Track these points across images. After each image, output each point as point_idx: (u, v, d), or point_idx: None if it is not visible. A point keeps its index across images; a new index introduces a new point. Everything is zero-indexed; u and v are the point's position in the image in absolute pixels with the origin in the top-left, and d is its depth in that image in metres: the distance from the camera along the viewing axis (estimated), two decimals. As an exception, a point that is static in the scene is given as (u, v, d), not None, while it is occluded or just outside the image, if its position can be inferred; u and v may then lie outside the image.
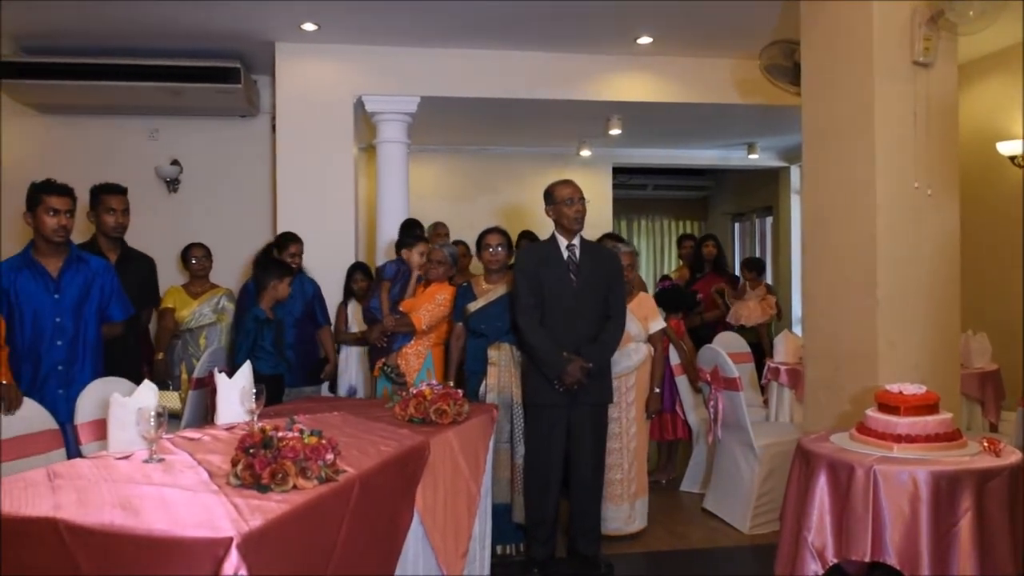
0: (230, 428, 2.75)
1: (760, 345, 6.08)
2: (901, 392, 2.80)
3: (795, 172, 9.16)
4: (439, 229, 6.10)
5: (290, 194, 5.71)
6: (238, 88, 5.74)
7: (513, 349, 3.89)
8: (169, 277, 5.00)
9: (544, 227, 4.25)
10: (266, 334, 4.20)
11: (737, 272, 7.22)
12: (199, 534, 1.61)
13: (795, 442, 3.07)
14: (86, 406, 3.01)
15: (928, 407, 2.76)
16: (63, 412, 3.04)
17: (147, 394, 2.44)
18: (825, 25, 3.92)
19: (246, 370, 2.92)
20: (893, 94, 3.57)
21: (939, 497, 2.50)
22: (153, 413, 2.18)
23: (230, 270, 5.74)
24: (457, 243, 5.52)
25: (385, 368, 4.25)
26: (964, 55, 4.46)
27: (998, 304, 5.61)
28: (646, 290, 4.75)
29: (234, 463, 1.99)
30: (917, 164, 3.57)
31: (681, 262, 7.27)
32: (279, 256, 4.83)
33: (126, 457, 2.27)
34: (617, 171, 9.34)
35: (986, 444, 2.73)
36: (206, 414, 4.02)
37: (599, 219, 8.11)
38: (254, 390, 2.63)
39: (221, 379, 2.91)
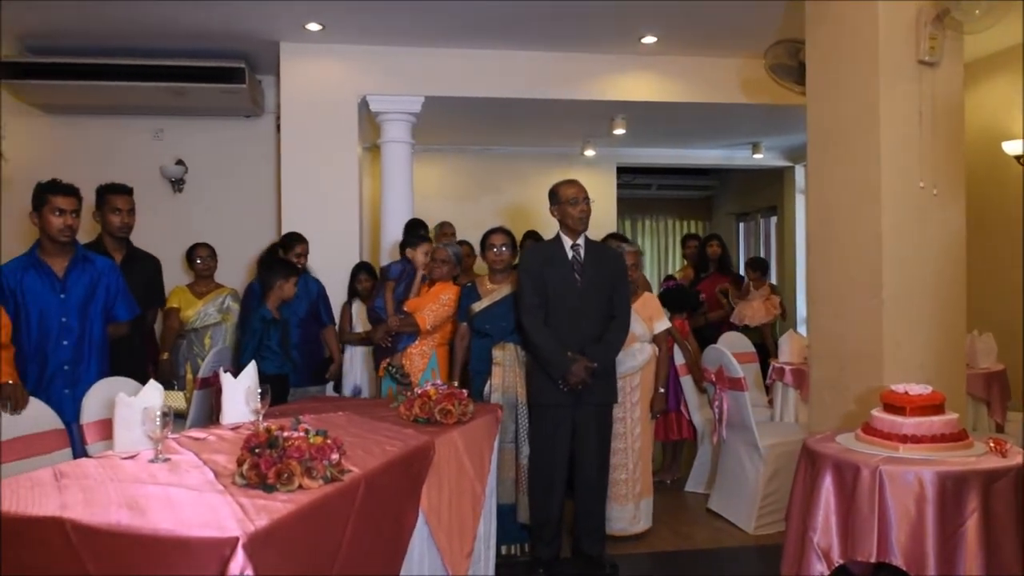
0: (235, 428, 2.75)
1: (764, 345, 6.07)
2: (907, 392, 2.79)
3: (800, 172, 9.15)
4: (445, 228, 6.10)
5: (294, 194, 5.72)
6: (243, 88, 5.75)
7: (518, 349, 3.89)
8: (174, 277, 5.00)
9: (549, 227, 4.25)
10: (272, 334, 4.20)
11: (741, 272, 7.22)
12: (205, 534, 1.62)
13: (800, 442, 3.06)
14: (92, 406, 3.01)
15: (934, 407, 2.75)
16: (69, 412, 3.05)
17: (153, 394, 2.44)
18: (830, 24, 3.91)
19: (251, 370, 2.92)
20: (898, 93, 3.56)
21: (945, 498, 2.49)
22: (159, 413, 2.18)
23: (235, 270, 5.75)
24: (461, 243, 5.52)
25: (390, 368, 4.26)
26: (970, 54, 4.44)
27: (1004, 304, 5.59)
28: (651, 290, 4.75)
29: (239, 463, 1.99)
30: (922, 164, 3.56)
31: (685, 262, 7.26)
32: (285, 256, 4.83)
33: (132, 457, 2.27)
34: (621, 171, 9.33)
35: (992, 444, 2.72)
36: (211, 414, 4.03)
37: (603, 219, 8.12)
38: (259, 390, 2.64)
39: (226, 379, 2.91)
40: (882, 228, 3.54)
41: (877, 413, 2.84)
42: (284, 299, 4.30)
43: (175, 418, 2.39)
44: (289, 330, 4.44)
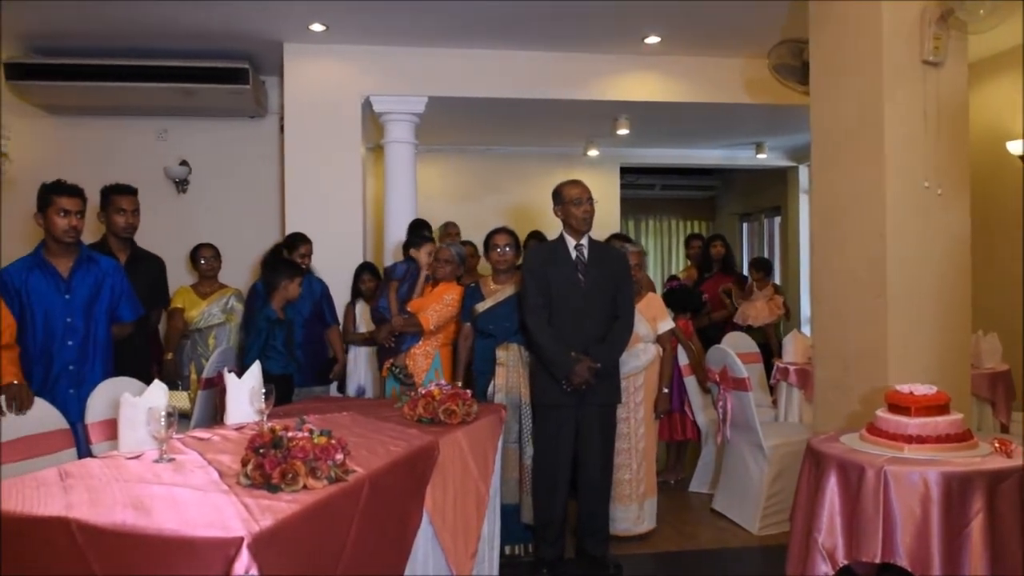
0: (240, 428, 2.75)
1: (768, 345, 6.06)
2: (911, 392, 2.78)
3: (803, 172, 9.13)
4: (450, 229, 6.11)
5: (298, 194, 5.73)
6: (246, 89, 5.76)
7: (521, 349, 3.89)
8: (178, 277, 5.01)
9: (552, 227, 4.25)
10: (277, 334, 4.21)
11: (745, 272, 7.21)
12: (210, 534, 1.62)
13: (804, 442, 3.06)
14: (97, 406, 3.02)
15: (939, 408, 2.75)
16: (74, 412, 3.06)
17: (157, 394, 2.45)
18: (834, 24, 3.90)
19: (256, 370, 2.92)
20: (902, 93, 3.55)
21: (950, 498, 2.49)
22: (163, 413, 2.19)
23: (239, 270, 5.76)
24: (465, 243, 5.52)
25: (393, 369, 4.26)
26: (974, 54, 4.43)
27: (1008, 304, 5.57)
28: (655, 290, 4.74)
29: (244, 463, 1.99)
30: (927, 163, 3.55)
31: (689, 262, 7.25)
32: (288, 256, 4.84)
33: (137, 457, 2.28)
34: (625, 171, 9.33)
35: (997, 445, 2.72)
36: (215, 414, 4.03)
37: (607, 219, 8.11)
38: (263, 390, 2.64)
39: (231, 379, 2.91)
40: (886, 228, 3.54)
41: (882, 413, 2.83)
42: (289, 299, 4.30)
43: (179, 418, 2.39)
44: (293, 330, 4.44)
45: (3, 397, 2.77)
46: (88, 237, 3.65)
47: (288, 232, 5.29)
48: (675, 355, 4.57)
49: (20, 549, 1.75)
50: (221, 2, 4.91)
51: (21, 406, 2.80)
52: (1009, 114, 5.72)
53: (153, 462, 2.21)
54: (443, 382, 3.20)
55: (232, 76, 5.71)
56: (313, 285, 4.85)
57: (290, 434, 2.00)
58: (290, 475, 1.92)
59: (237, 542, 1.59)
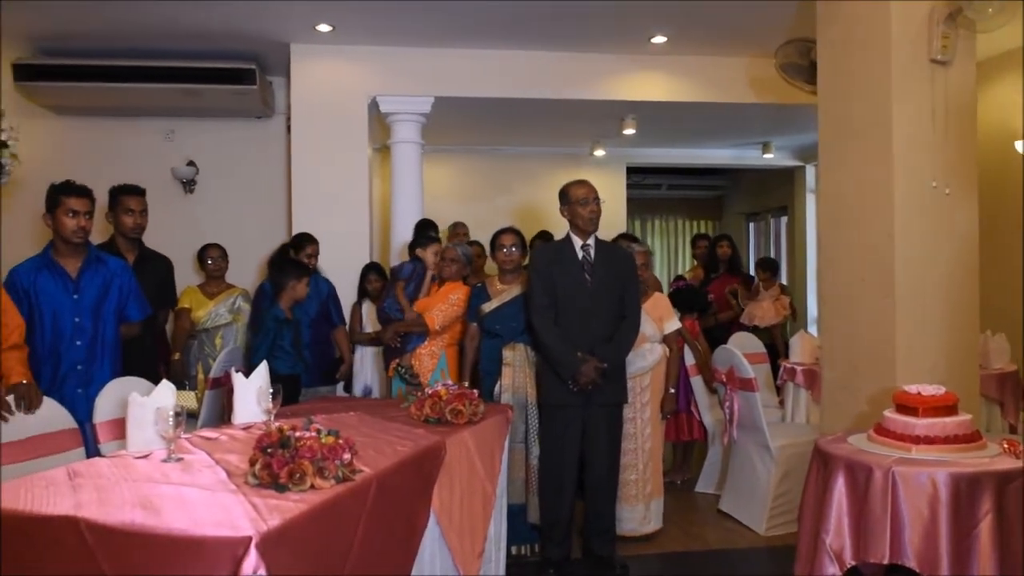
0: (247, 428, 2.76)
1: (774, 346, 6.05)
2: (919, 393, 2.77)
3: (810, 171, 9.11)
4: (459, 229, 6.11)
5: (305, 195, 5.74)
6: (253, 89, 5.77)
7: (528, 349, 3.89)
8: (185, 277, 5.02)
9: (559, 227, 4.25)
10: (285, 334, 4.22)
11: (751, 272, 7.19)
12: (219, 533, 1.62)
13: (811, 443, 3.05)
14: (105, 405, 3.03)
15: (947, 408, 2.74)
16: (82, 411, 3.07)
17: (165, 393, 2.45)
18: (842, 23, 3.89)
19: (263, 370, 2.93)
20: (911, 92, 3.54)
21: (959, 499, 2.48)
22: (172, 412, 2.19)
23: (246, 270, 5.77)
24: (472, 243, 5.52)
25: (399, 369, 4.26)
26: (983, 52, 4.41)
27: (1017, 304, 5.53)
28: (661, 290, 4.74)
29: (252, 463, 2.00)
30: (935, 163, 3.54)
31: (695, 262, 7.24)
32: (295, 256, 4.85)
33: (145, 456, 2.29)
34: (631, 171, 9.32)
35: (1006, 446, 2.71)
36: (222, 414, 4.04)
37: (613, 219, 8.11)
38: (271, 390, 2.65)
39: (238, 379, 2.92)
40: (894, 228, 3.53)
41: (890, 414, 2.83)
42: (296, 299, 4.31)
43: (187, 418, 2.40)
44: (301, 330, 4.45)
45: (12, 396, 2.78)
46: (96, 237, 3.66)
47: (295, 232, 5.30)
48: (682, 355, 4.56)
49: (29, 548, 1.75)
50: (228, 3, 4.92)
51: (30, 405, 2.81)
52: (1017, 112, 5.69)
53: (161, 462, 2.21)
54: (450, 382, 3.20)
55: (239, 77, 5.72)
56: (320, 285, 4.86)
57: (298, 434, 2.00)
58: (298, 475, 1.92)
59: (245, 541, 1.59)
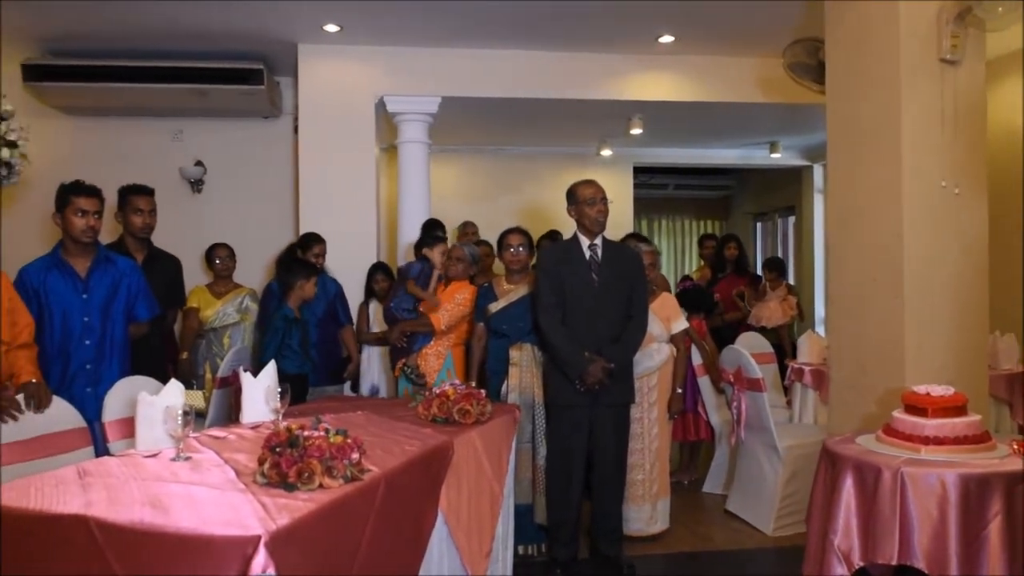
0: (255, 427, 2.77)
1: (781, 346, 6.03)
2: (928, 393, 2.76)
3: (818, 171, 9.08)
4: (468, 228, 6.11)
5: (312, 194, 5.75)
6: (261, 89, 5.78)
7: (535, 349, 3.89)
8: (193, 277, 5.04)
9: (566, 227, 4.25)
10: (293, 334, 4.22)
11: (759, 272, 7.17)
12: (228, 532, 1.63)
13: (819, 444, 3.04)
14: (114, 404, 3.04)
15: (956, 409, 2.72)
16: (91, 410, 3.08)
17: (174, 393, 2.46)
18: (851, 23, 3.88)
19: (271, 369, 2.94)
20: (920, 92, 3.52)
21: (968, 500, 2.47)
22: (180, 411, 2.20)
23: (253, 270, 5.78)
24: (480, 243, 5.52)
25: (405, 369, 4.27)
26: (992, 51, 4.39)
27: (1026, 305, 5.52)
28: (669, 290, 4.73)
29: (260, 462, 2.00)
30: (944, 163, 3.52)
31: (702, 262, 7.23)
32: (303, 256, 4.86)
33: (154, 455, 2.30)
34: (638, 170, 9.31)
35: (1015, 446, 2.69)
36: (230, 413, 4.05)
37: (620, 219, 8.09)
38: (279, 389, 2.65)
39: (247, 378, 2.93)
40: (903, 228, 3.51)
41: (898, 414, 2.81)
42: (305, 299, 4.32)
43: (195, 417, 2.41)
44: (308, 330, 4.46)
45: (22, 395, 2.79)
46: (105, 237, 3.68)
47: (302, 232, 5.31)
48: (689, 355, 4.56)
49: (39, 547, 1.76)
50: (236, 3, 4.93)
51: (39, 404, 2.82)
52: (1027, 113, 5.67)
53: (170, 460, 2.22)
54: (457, 382, 3.20)
55: (246, 77, 5.74)
56: (327, 285, 4.87)
57: (306, 433, 2.00)
58: (306, 474, 1.93)
59: (255, 540, 1.59)
